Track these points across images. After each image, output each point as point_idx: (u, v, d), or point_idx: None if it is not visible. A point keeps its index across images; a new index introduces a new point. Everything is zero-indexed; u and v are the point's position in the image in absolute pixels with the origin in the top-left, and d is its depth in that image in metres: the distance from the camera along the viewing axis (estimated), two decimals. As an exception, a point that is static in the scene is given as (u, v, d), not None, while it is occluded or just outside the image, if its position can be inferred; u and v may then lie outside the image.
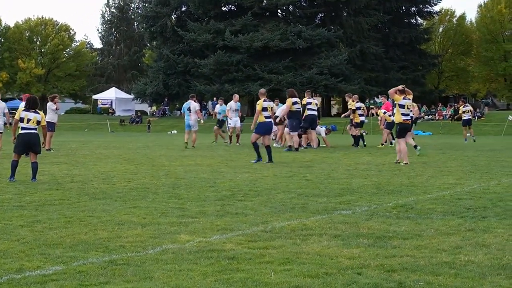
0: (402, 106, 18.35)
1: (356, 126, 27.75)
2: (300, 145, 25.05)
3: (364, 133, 31.56)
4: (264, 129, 19.13)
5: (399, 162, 18.18)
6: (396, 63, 71.41)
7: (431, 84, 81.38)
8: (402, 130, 18.49)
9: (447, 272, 6.13)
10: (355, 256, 6.82)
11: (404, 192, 11.88)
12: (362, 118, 28.03)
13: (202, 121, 28.43)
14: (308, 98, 25.83)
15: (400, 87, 18.86)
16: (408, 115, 18.61)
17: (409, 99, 18.70)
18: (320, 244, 7.41)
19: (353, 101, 27.96)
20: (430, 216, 9.22)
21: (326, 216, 9.24)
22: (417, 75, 72.65)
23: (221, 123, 30.46)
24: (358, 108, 27.71)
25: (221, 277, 6.06)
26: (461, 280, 5.87)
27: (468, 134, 34.03)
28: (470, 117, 34.43)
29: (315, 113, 25.83)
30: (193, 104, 27.14)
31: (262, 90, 20.11)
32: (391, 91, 18.89)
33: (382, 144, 27.58)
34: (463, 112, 33.94)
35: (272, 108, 19.59)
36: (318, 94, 70.54)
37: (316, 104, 26.45)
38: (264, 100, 19.17)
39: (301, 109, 24.87)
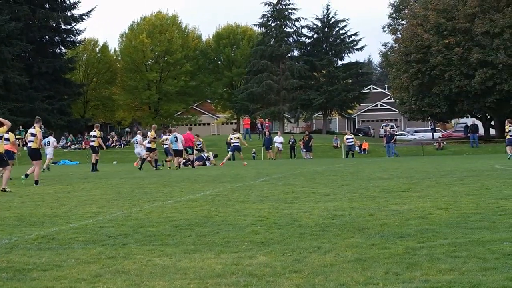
0: (7, 139, 20.43)
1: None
2: None
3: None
4: None
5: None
6: (41, 93, 70.61)
7: (77, 113, 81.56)
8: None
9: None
10: (-9, 292, 6.57)
11: (46, 223, 11.70)
12: None
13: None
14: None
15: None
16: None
17: None
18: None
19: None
20: (72, 246, 9.16)
21: (-38, 253, 8.78)
22: (62, 104, 72.46)
23: None
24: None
25: None
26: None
27: None
28: None
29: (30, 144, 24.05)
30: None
31: None
32: None
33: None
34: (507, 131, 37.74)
35: None
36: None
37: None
38: None
39: None
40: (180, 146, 35.17)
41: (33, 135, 23.57)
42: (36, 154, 23.74)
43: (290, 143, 55.10)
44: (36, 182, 22.67)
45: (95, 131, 34.66)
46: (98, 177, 26.39)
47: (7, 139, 25.10)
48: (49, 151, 35.51)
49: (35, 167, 23.33)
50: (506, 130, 38.69)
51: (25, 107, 68.08)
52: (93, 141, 34.40)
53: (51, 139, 36.17)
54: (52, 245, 9.28)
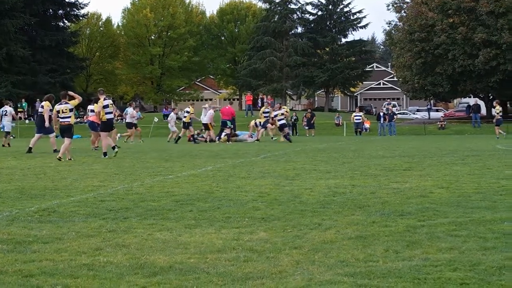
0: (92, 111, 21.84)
1: None
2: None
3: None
4: None
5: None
6: (44, 66, 70.43)
7: (79, 87, 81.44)
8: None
9: (85, 274, 6.13)
10: (-7, 264, 6.58)
11: (47, 196, 11.71)
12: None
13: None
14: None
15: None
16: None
17: (67, 103, 21.14)
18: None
19: None
20: (72, 219, 9.17)
21: (-37, 225, 8.79)
22: (65, 78, 72.22)
23: None
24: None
25: None
26: (99, 281, 5.90)
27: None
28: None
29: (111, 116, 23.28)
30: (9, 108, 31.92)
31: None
32: None
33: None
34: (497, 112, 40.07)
35: None
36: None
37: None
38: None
39: None
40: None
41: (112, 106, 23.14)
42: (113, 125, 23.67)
43: (292, 120, 54.97)
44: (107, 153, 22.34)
45: (189, 107, 36.71)
46: (100, 151, 26.33)
47: (92, 111, 25.67)
48: (171, 125, 38.78)
49: (114, 135, 24.01)
50: (497, 111, 39.85)
51: (28, 80, 67.96)
52: (185, 117, 36.07)
53: (173, 114, 39.76)
54: (53, 218, 9.29)
